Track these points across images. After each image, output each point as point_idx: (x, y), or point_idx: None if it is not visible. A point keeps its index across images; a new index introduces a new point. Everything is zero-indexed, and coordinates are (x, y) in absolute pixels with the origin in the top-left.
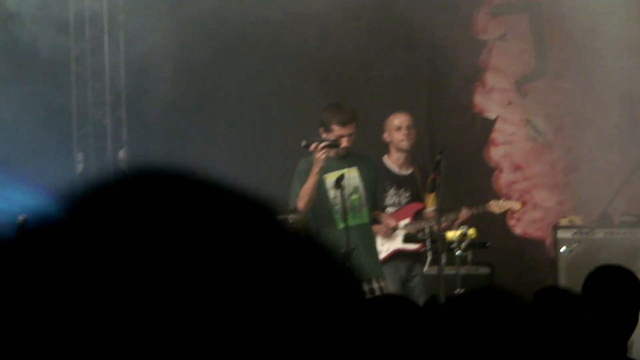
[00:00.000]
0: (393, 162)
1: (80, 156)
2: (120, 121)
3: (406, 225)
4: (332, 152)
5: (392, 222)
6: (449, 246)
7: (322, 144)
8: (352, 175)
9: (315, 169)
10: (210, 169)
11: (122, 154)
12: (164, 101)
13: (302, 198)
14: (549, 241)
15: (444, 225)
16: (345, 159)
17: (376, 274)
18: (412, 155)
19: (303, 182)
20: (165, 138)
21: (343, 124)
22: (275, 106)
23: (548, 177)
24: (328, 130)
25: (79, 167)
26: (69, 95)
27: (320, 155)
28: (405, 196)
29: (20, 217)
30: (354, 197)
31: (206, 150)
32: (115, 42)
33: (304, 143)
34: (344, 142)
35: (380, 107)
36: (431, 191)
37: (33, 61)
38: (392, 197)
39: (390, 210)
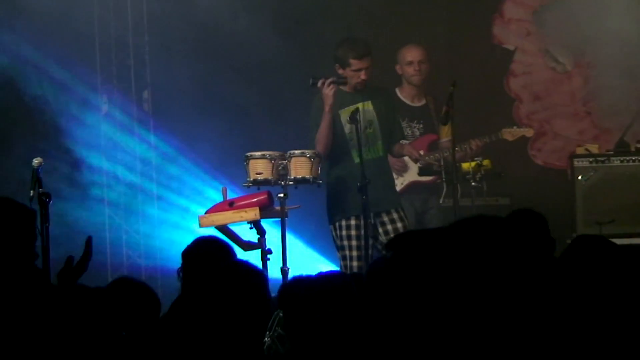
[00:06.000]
0: (405, 94)
1: (104, 97)
2: (144, 62)
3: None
4: (347, 88)
5: (415, 153)
6: (464, 177)
7: (329, 80)
8: (367, 109)
9: (326, 107)
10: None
11: (145, 94)
12: (186, 43)
13: (320, 141)
14: (570, 170)
15: (458, 155)
16: (360, 93)
17: (395, 205)
18: (425, 87)
19: (317, 121)
20: (188, 78)
21: (360, 57)
22: (295, 40)
23: (568, 106)
24: (344, 65)
25: (104, 109)
26: (93, 39)
27: (329, 92)
28: (418, 128)
29: (36, 161)
30: (369, 131)
31: (229, 92)
32: None
33: (311, 81)
34: (362, 76)
35: (400, 40)
36: (444, 123)
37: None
38: (405, 129)
39: (403, 142)
